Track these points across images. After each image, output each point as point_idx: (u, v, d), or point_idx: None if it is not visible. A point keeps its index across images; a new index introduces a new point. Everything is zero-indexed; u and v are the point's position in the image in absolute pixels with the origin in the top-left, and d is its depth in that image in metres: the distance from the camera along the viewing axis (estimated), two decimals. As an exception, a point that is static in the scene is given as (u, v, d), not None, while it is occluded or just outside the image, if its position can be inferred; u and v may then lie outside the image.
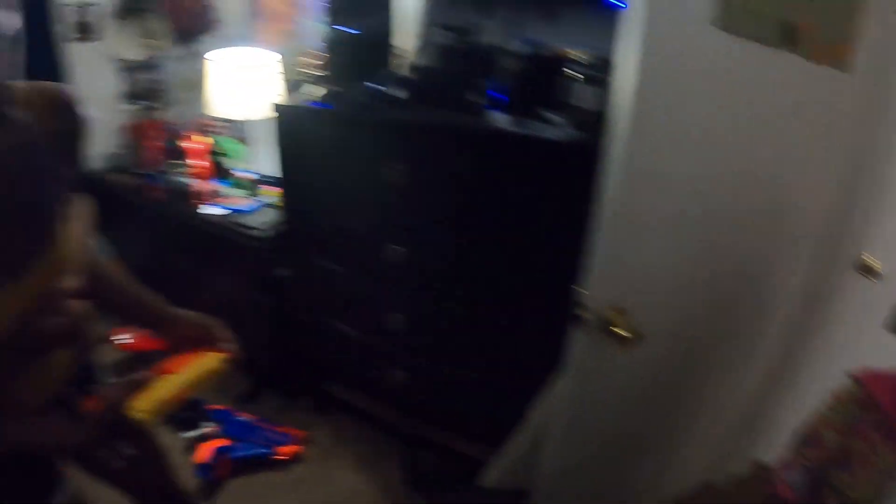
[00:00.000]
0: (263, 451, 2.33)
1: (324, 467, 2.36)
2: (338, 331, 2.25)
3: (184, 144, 2.60)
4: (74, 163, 0.93)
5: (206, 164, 2.59)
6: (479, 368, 1.91)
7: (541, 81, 1.63)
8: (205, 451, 2.24)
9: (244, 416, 2.48)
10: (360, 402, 2.47)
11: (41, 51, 2.89)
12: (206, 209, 2.50)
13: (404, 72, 1.99)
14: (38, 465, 1.04)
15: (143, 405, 0.92)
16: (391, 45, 2.02)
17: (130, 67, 3.40)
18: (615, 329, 1.12)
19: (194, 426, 2.40)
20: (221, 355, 1.12)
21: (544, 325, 1.63)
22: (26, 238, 0.83)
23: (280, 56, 2.46)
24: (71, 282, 0.91)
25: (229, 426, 2.41)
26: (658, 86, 1.01)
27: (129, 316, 1.29)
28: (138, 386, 0.95)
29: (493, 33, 1.83)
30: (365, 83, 1.87)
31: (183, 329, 1.17)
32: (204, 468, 2.20)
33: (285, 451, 2.35)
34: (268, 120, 2.33)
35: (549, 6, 1.78)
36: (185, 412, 2.43)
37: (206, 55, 3.00)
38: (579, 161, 1.41)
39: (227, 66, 2.40)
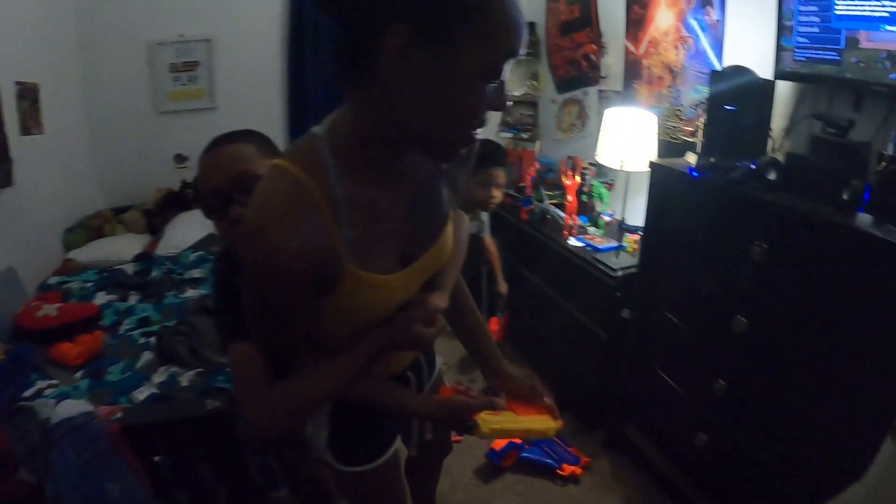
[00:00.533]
0: (549, 462, 2.59)
1: (594, 497, 2.51)
2: (659, 379, 2.41)
3: (565, 181, 3.03)
4: (457, 185, 1.18)
5: (574, 200, 3.01)
6: (777, 454, 1.91)
7: None
8: (501, 441, 2.57)
9: None
10: (648, 450, 2.55)
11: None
12: (570, 240, 2.94)
13: (776, 154, 2.09)
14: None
15: (489, 423, 1.12)
16: (766, 127, 2.13)
17: (512, 101, 4.08)
18: None
19: None
20: (555, 425, 1.27)
21: (852, 426, 1.64)
22: (429, 232, 1.08)
23: (656, 117, 2.72)
24: (444, 301, 1.13)
25: None
26: None
27: (469, 352, 1.49)
28: (492, 406, 1.15)
29: (867, 131, 1.84)
30: (736, 159, 2.01)
31: (512, 387, 1.34)
32: (494, 454, 2.57)
33: (567, 469, 2.56)
34: (636, 172, 2.65)
35: None
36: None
37: (587, 104, 3.49)
38: None
39: (609, 119, 2.73)
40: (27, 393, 1.98)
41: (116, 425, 1.61)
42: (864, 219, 1.63)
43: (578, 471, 2.59)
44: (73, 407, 1.63)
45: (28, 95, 2.85)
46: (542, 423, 1.26)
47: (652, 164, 2.39)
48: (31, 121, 2.88)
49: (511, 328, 3.68)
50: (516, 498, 2.51)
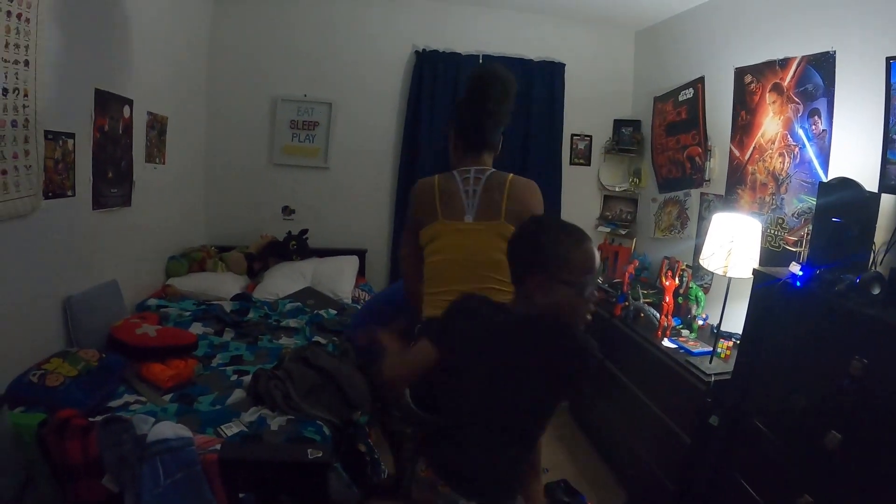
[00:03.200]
0: None
1: None
2: (741, 490, 2.30)
3: (664, 281, 3.03)
4: None
5: (671, 301, 2.99)
6: None
7: None
8: None
9: None
10: None
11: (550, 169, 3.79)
12: (664, 341, 2.91)
13: (877, 267, 2.04)
14: None
15: None
16: (870, 240, 2.08)
17: (610, 195, 4.17)
18: None
19: None
20: None
21: None
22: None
23: (760, 224, 2.68)
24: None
25: None
26: None
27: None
28: None
29: None
30: (842, 272, 1.98)
31: None
32: None
33: None
34: (735, 278, 2.62)
35: None
36: (570, 499, 2.82)
37: (688, 206, 3.50)
38: None
39: (716, 224, 2.71)
40: (113, 403, 2.11)
41: (213, 456, 1.66)
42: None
43: None
44: (171, 429, 1.68)
45: (157, 126, 3.15)
46: None
47: (755, 272, 2.39)
48: (155, 150, 3.16)
49: (589, 422, 3.62)
50: None
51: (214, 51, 3.81)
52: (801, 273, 2.14)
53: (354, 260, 3.95)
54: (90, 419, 1.79)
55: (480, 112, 2.01)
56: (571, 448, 3.55)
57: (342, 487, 1.91)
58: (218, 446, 1.73)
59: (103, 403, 2.11)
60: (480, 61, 3.90)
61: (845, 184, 2.15)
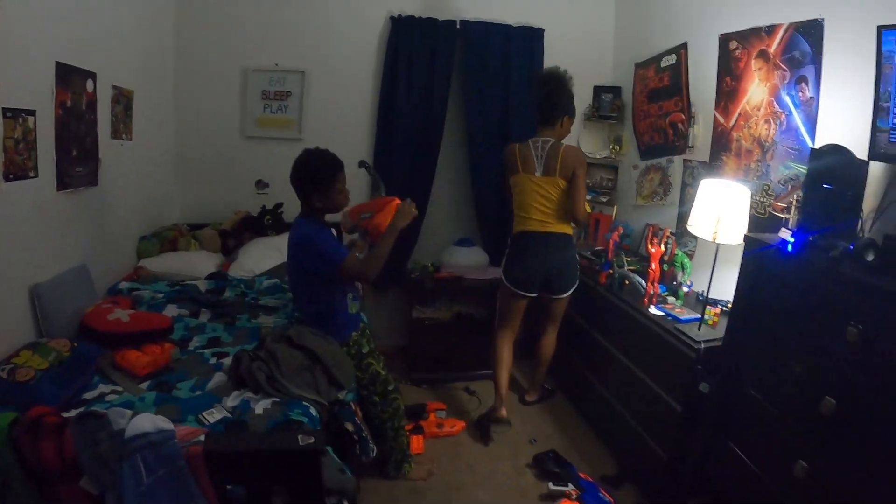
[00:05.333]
0: None
1: None
2: (735, 457, 2.33)
3: (650, 248, 3.02)
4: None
5: (657, 268, 2.98)
6: None
7: None
8: None
9: (606, 496, 2.75)
10: None
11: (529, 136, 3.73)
12: (651, 308, 2.92)
13: (866, 233, 2.05)
14: None
15: None
16: (858, 207, 2.09)
17: (591, 163, 4.12)
18: None
19: (563, 483, 2.83)
20: None
21: None
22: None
23: (749, 191, 2.67)
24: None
25: (591, 497, 2.71)
26: None
27: None
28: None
29: None
30: (834, 239, 1.98)
31: None
32: None
33: None
34: (723, 245, 2.61)
35: None
36: (560, 469, 2.92)
37: (670, 173, 3.48)
38: None
39: (703, 190, 2.70)
40: (88, 395, 2.00)
41: (197, 448, 1.54)
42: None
43: None
44: (150, 422, 1.56)
45: (122, 101, 3.00)
46: None
47: (746, 238, 2.38)
48: (122, 126, 3.01)
49: (577, 392, 3.66)
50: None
51: (183, 20, 3.63)
52: (792, 239, 2.14)
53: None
54: (64, 415, 1.68)
55: (544, 101, 3.18)
56: (561, 419, 3.58)
57: (335, 473, 1.82)
58: (202, 437, 1.61)
59: (78, 396, 2.01)
60: (458, 27, 3.79)
61: (836, 150, 2.14)
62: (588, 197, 4.06)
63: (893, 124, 2.00)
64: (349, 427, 2.29)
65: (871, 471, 1.78)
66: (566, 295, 3.30)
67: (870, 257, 1.87)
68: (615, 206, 3.96)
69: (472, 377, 3.93)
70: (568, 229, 3.23)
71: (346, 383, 2.28)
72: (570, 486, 2.81)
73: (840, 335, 1.86)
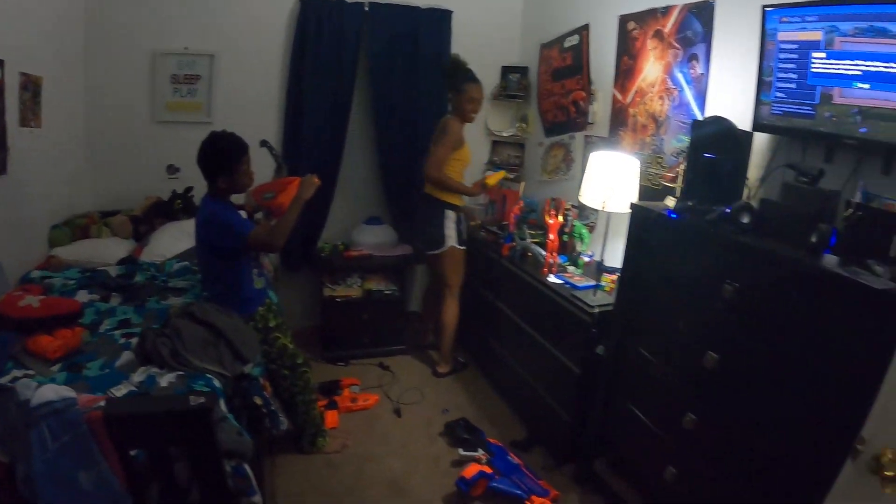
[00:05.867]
0: (519, 492, 2.61)
1: None
2: (631, 415, 2.45)
3: (548, 220, 3.12)
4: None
5: (556, 239, 3.09)
6: (745, 486, 1.94)
7: (872, 232, 1.69)
8: (471, 470, 2.64)
9: (515, 459, 2.83)
10: (618, 485, 2.59)
11: (438, 116, 3.78)
12: (549, 277, 3.01)
13: (751, 200, 2.19)
14: None
15: None
16: (743, 175, 2.24)
17: (498, 141, 4.21)
18: (885, 469, 1.20)
19: (473, 449, 2.90)
20: None
21: (818, 456, 1.68)
22: None
23: (638, 162, 2.82)
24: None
25: (500, 461, 2.79)
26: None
27: None
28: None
29: (838, 181, 1.94)
30: (713, 204, 2.10)
31: None
32: (464, 482, 2.61)
33: (536, 501, 2.57)
34: (617, 215, 2.73)
35: (887, 162, 1.85)
36: (470, 436, 3.00)
37: (572, 148, 3.60)
38: (885, 309, 1.50)
39: (594, 162, 2.81)
40: (2, 380, 1.94)
41: (97, 413, 1.58)
42: (830, 260, 1.70)
43: (547, 503, 2.60)
44: (55, 391, 1.59)
45: (31, 88, 2.84)
46: None
47: (632, 206, 2.48)
48: (30, 113, 2.86)
49: (487, 363, 3.75)
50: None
51: (92, 4, 3.43)
52: (674, 206, 2.26)
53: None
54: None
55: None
56: (471, 388, 3.66)
57: (233, 436, 1.85)
58: (102, 403, 1.63)
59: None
60: (366, 9, 3.73)
61: (717, 121, 2.27)
62: (489, 172, 4.18)
63: (775, 97, 2.15)
64: (258, 400, 2.32)
65: (752, 416, 1.91)
66: (434, 253, 3.55)
67: (745, 219, 2.00)
68: (522, 182, 4.04)
69: (385, 353, 3.99)
70: (432, 190, 3.49)
71: (250, 356, 2.30)
72: (480, 451, 2.88)
73: (718, 293, 1.99)
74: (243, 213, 2.71)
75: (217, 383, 2.08)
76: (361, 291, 3.93)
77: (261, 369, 2.47)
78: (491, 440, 2.98)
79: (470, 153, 3.56)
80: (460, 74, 3.43)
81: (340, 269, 3.94)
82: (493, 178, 3.52)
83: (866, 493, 1.28)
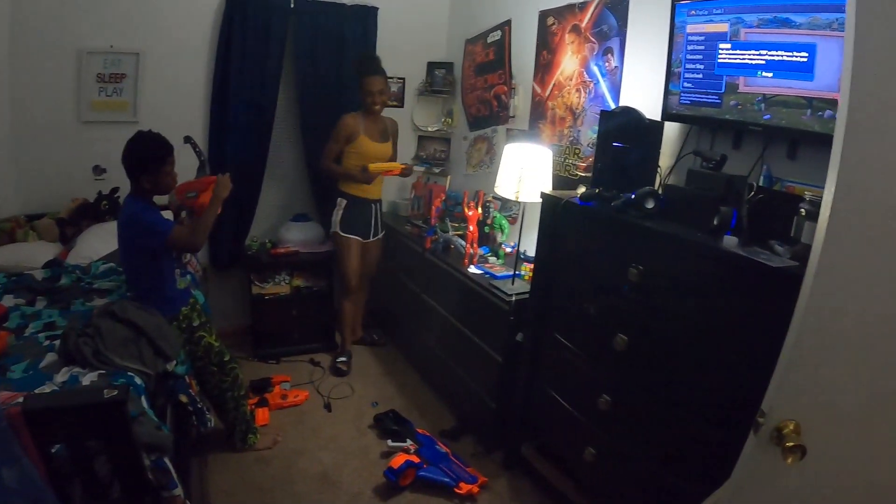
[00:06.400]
0: (447, 480, 2.62)
1: None
2: (551, 399, 2.48)
3: (467, 212, 3.11)
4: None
5: (476, 230, 3.09)
6: (659, 462, 1.99)
7: (772, 214, 1.79)
8: (398, 460, 2.65)
9: (443, 448, 2.84)
10: (544, 468, 2.63)
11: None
12: (470, 268, 3.01)
13: (658, 187, 2.25)
14: None
15: None
16: (655, 163, 2.29)
17: (425, 136, 4.20)
18: (786, 440, 1.23)
19: (402, 440, 2.90)
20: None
21: (723, 430, 1.73)
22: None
23: (553, 153, 2.83)
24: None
25: (428, 450, 2.80)
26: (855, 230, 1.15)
27: None
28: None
29: (745, 166, 2.04)
30: (622, 191, 2.14)
31: None
32: (392, 472, 2.61)
33: (465, 488, 2.60)
34: (535, 205, 2.74)
35: (792, 147, 1.95)
36: (399, 427, 2.99)
37: (495, 142, 3.63)
38: (783, 286, 1.51)
39: (508, 153, 2.82)
40: None
41: (16, 409, 1.58)
42: (730, 241, 1.76)
43: (476, 489, 2.62)
44: None
45: None
46: None
47: (543, 195, 2.51)
48: None
49: (416, 354, 3.75)
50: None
51: (17, 2, 3.24)
52: (582, 194, 2.30)
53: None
54: None
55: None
56: (400, 380, 3.66)
57: (152, 430, 1.86)
58: (21, 399, 1.67)
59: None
60: (292, 6, 3.64)
61: (626, 112, 2.32)
62: (422, 169, 4.17)
63: (684, 87, 2.22)
64: (183, 398, 2.35)
65: (661, 395, 1.96)
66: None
67: (649, 205, 2.04)
68: (448, 177, 4.04)
69: (315, 349, 3.95)
70: (341, 186, 3.61)
71: (171, 353, 2.30)
72: (409, 442, 2.87)
73: (625, 276, 2.03)
74: (168, 214, 2.67)
75: (139, 380, 2.06)
76: (290, 288, 3.89)
77: (186, 368, 2.48)
78: (420, 430, 2.98)
79: (372, 147, 3.51)
80: (362, 69, 3.42)
81: (269, 267, 3.89)
82: (379, 165, 3.46)
83: (769, 462, 1.31)
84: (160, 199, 2.54)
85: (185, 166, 2.64)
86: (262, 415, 3.09)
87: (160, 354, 2.25)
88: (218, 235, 3.75)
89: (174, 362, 2.32)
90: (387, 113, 3.64)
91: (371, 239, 3.70)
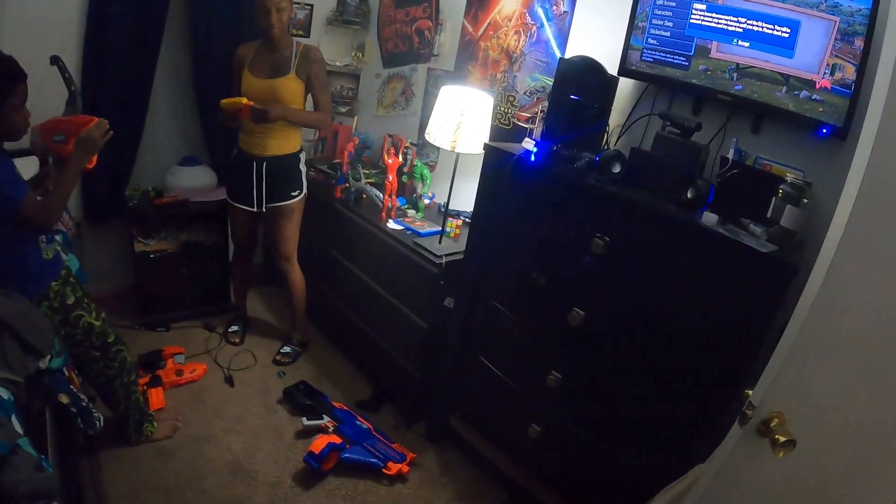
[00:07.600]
0: (374, 461, 2.42)
1: (425, 493, 2.40)
2: (488, 371, 2.33)
3: (387, 159, 2.81)
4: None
5: (395, 180, 2.79)
6: (615, 443, 1.94)
7: (747, 190, 1.71)
8: (319, 443, 2.39)
9: (364, 423, 2.59)
10: (477, 441, 2.52)
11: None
12: (389, 223, 2.73)
13: (611, 148, 2.11)
14: None
15: None
16: (605, 121, 2.15)
17: (332, 71, 3.75)
18: (773, 432, 1.19)
19: (318, 416, 2.60)
20: None
21: (686, 414, 1.72)
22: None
23: (492, 99, 2.59)
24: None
25: (348, 427, 2.54)
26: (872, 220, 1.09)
27: None
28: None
29: (704, 135, 1.93)
30: (580, 149, 2.00)
31: None
32: (313, 457, 2.35)
33: (394, 467, 2.41)
34: (464, 155, 2.51)
35: (758, 121, 1.89)
36: (312, 401, 2.69)
37: (413, 81, 3.29)
38: (765, 272, 1.51)
39: (444, 97, 2.53)
40: None
41: None
42: (710, 218, 1.65)
43: (406, 468, 2.44)
44: None
45: None
46: None
47: (486, 147, 2.26)
48: None
49: (326, 318, 3.38)
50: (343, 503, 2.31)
51: None
52: (535, 149, 2.10)
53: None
54: None
55: None
56: (309, 348, 3.26)
57: (30, 474, 1.36)
58: None
59: None
60: None
61: (586, 62, 2.13)
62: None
63: (648, 44, 2.05)
64: (63, 399, 1.94)
65: (620, 375, 1.86)
66: None
67: (616, 169, 1.90)
68: (356, 117, 3.66)
69: (210, 311, 3.41)
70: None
71: (43, 347, 1.78)
72: (326, 419, 2.58)
73: (586, 247, 1.88)
74: (27, 163, 2.04)
75: (5, 395, 1.55)
76: (178, 244, 3.29)
77: (63, 359, 2.02)
78: (336, 404, 2.69)
79: (253, 82, 2.71)
80: None
81: (153, 220, 3.21)
82: (229, 101, 2.58)
83: (755, 455, 1.26)
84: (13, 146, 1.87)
85: (52, 96, 2.06)
86: (156, 396, 2.64)
87: (29, 351, 1.74)
88: (92, 184, 3.04)
89: (48, 357, 1.84)
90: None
91: (258, 209, 2.87)
